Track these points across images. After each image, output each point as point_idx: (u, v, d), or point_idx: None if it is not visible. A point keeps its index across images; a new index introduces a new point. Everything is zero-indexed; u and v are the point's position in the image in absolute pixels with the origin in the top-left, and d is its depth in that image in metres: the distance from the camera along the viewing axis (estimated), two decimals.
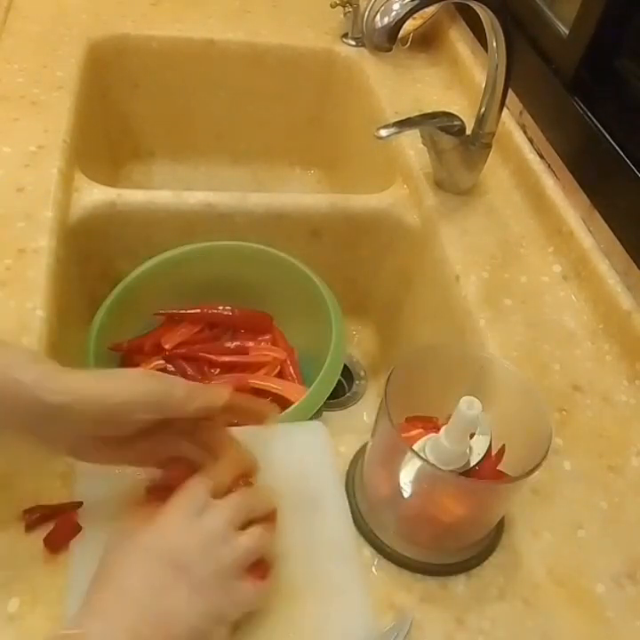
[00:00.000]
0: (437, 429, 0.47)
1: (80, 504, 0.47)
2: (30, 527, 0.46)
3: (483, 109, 0.72)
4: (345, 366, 0.86)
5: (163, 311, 0.78)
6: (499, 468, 0.47)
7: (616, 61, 0.72)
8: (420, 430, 0.49)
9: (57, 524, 0.46)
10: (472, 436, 0.46)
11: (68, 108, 0.80)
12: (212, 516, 0.41)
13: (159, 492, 0.46)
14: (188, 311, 0.79)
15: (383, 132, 0.69)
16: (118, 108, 1.03)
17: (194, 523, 0.41)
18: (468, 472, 0.46)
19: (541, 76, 0.79)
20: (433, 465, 0.44)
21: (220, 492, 0.43)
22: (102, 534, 0.46)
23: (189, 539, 0.40)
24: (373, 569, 0.48)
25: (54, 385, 0.40)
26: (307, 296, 0.75)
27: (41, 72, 0.85)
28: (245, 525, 0.42)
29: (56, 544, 0.45)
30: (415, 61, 1.02)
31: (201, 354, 0.77)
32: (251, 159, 1.12)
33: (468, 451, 0.46)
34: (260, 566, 0.43)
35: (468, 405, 0.42)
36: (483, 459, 0.46)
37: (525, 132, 0.83)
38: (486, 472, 0.46)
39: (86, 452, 0.44)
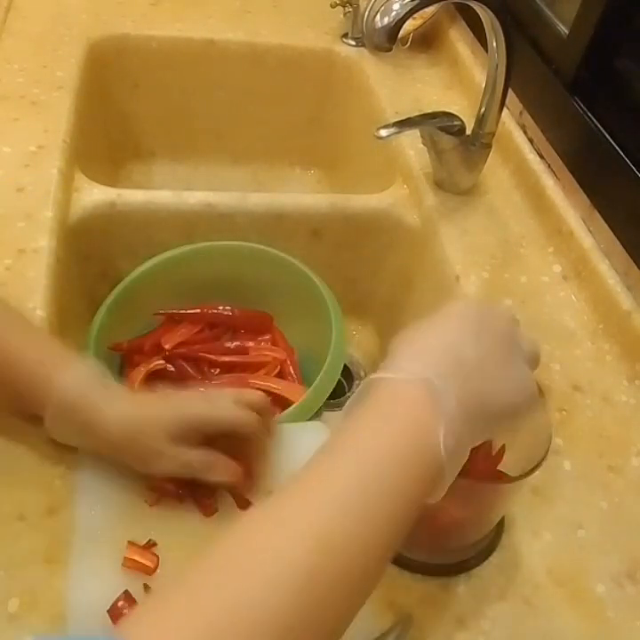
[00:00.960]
0: None
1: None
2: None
3: (483, 109, 0.72)
4: (345, 366, 0.86)
5: (163, 311, 0.78)
6: (498, 467, 0.47)
7: (616, 61, 0.72)
8: None
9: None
10: None
11: (68, 108, 0.80)
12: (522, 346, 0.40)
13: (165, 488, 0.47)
14: (188, 311, 0.79)
15: (383, 132, 0.69)
16: (118, 107, 1.03)
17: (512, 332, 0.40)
18: (467, 472, 0.46)
19: (541, 76, 0.79)
20: None
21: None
22: (102, 534, 0.46)
23: (508, 335, 0.39)
24: None
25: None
26: (307, 296, 0.75)
27: (41, 72, 0.85)
28: None
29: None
30: (415, 61, 1.02)
31: (201, 354, 0.77)
32: (251, 159, 1.12)
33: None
34: None
35: None
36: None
37: (525, 132, 0.83)
38: (486, 472, 0.46)
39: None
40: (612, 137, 0.68)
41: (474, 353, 0.36)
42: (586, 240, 0.69)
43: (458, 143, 0.73)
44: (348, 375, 0.88)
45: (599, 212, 0.69)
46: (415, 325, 0.38)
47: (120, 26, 0.97)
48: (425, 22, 1.01)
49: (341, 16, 1.02)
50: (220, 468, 0.48)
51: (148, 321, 0.78)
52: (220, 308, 0.80)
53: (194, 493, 0.49)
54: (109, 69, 0.98)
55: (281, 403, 0.72)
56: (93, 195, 0.74)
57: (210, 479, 0.48)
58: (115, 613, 0.42)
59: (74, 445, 0.49)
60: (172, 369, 0.76)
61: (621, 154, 0.66)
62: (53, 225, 0.66)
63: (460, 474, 0.37)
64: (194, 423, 0.47)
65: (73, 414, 0.46)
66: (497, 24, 0.65)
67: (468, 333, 0.37)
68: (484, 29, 0.66)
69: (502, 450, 0.47)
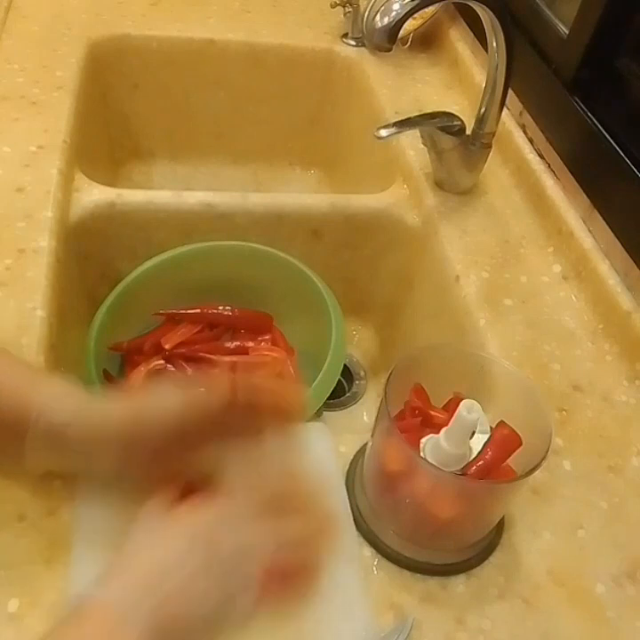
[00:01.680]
0: (436, 428, 0.47)
1: None
2: None
3: (483, 109, 0.72)
4: (345, 366, 0.86)
5: (163, 311, 0.78)
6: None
7: (616, 61, 0.72)
8: (419, 419, 0.49)
9: None
10: (472, 434, 0.46)
11: (68, 108, 0.80)
12: (261, 529, 0.40)
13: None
14: (188, 311, 0.79)
15: (383, 132, 0.69)
16: (118, 107, 1.03)
17: (243, 524, 0.39)
18: (468, 469, 0.46)
19: (541, 76, 0.79)
20: (433, 466, 0.44)
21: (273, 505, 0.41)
22: (102, 535, 0.46)
23: (231, 541, 0.39)
24: (373, 569, 0.48)
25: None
26: (307, 296, 0.75)
27: (41, 72, 0.85)
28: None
29: None
30: (415, 61, 1.02)
31: (201, 354, 0.77)
32: (251, 159, 1.12)
33: (468, 452, 0.46)
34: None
35: (468, 409, 0.42)
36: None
37: (525, 132, 0.83)
38: (491, 467, 0.46)
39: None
40: (612, 137, 0.68)
41: (182, 578, 0.36)
42: (586, 240, 0.69)
43: (458, 143, 0.73)
44: (348, 375, 0.88)
45: (599, 211, 0.69)
46: (145, 533, 0.39)
47: (120, 26, 0.97)
48: (425, 22, 1.01)
49: (341, 16, 1.03)
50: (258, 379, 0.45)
51: (148, 321, 0.78)
52: (220, 308, 0.80)
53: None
54: (109, 69, 0.98)
55: None
56: (93, 195, 0.74)
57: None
58: None
59: (57, 468, 0.47)
60: (173, 369, 0.76)
61: (621, 154, 0.66)
62: (53, 225, 0.66)
63: (460, 473, 0.37)
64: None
65: (62, 428, 0.43)
66: (497, 24, 0.65)
67: (185, 556, 0.37)
68: (484, 29, 0.66)
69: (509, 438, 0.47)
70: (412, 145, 0.83)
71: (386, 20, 0.60)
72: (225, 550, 0.38)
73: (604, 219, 0.68)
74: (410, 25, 0.99)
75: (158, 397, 0.44)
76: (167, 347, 0.76)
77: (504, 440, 0.46)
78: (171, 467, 0.46)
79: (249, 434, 0.47)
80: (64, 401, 0.44)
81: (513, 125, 0.84)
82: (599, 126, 0.70)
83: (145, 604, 0.35)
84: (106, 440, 0.43)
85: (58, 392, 0.44)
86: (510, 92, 0.72)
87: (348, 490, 0.52)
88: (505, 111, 0.74)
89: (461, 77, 0.97)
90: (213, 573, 0.37)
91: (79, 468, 0.46)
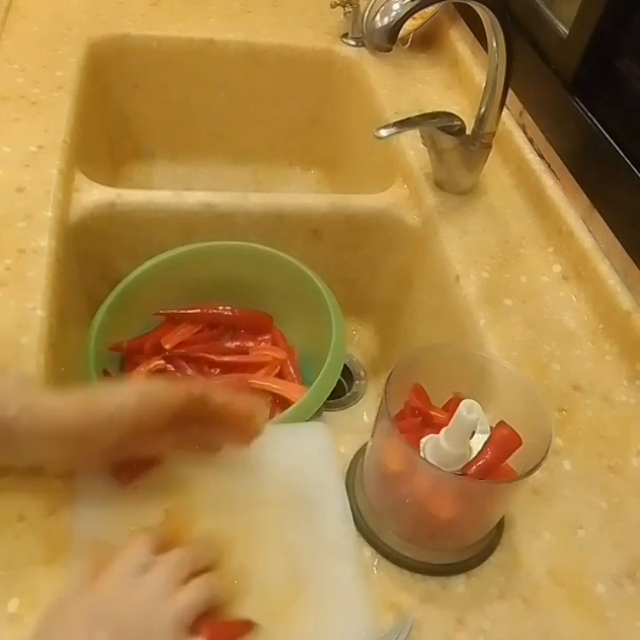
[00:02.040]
0: (436, 428, 0.47)
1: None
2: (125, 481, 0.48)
3: (483, 109, 0.72)
4: (345, 366, 0.86)
5: (163, 311, 0.78)
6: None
7: (616, 61, 0.72)
8: (419, 419, 0.49)
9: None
10: (472, 434, 0.46)
11: (68, 108, 0.80)
12: (153, 574, 0.40)
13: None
14: (188, 311, 0.79)
15: (383, 132, 0.69)
16: (118, 107, 1.03)
17: (134, 584, 0.40)
18: (468, 469, 0.46)
19: (541, 76, 0.79)
20: (433, 466, 0.44)
21: (161, 549, 0.42)
22: (102, 535, 0.46)
23: (130, 602, 0.39)
24: (373, 569, 0.48)
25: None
26: (307, 296, 0.75)
27: (41, 72, 0.85)
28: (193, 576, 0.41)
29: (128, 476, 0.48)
30: (415, 61, 1.02)
31: (201, 354, 0.77)
32: (251, 159, 1.12)
33: (468, 452, 0.46)
34: (215, 615, 0.41)
35: (468, 409, 0.42)
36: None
37: (525, 132, 0.83)
38: (491, 467, 0.46)
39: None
40: (612, 137, 0.68)
41: None
42: (586, 240, 0.69)
43: (458, 143, 0.73)
44: (348, 375, 0.88)
45: (599, 211, 0.69)
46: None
47: (120, 26, 0.97)
48: (425, 22, 1.01)
49: (341, 16, 1.03)
50: (219, 390, 0.46)
51: (148, 321, 0.78)
52: (220, 308, 0.80)
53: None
54: (109, 69, 0.98)
55: (281, 403, 0.72)
56: (93, 195, 0.74)
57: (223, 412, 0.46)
58: None
59: (6, 461, 0.46)
60: (173, 369, 0.76)
61: (621, 154, 0.66)
62: (53, 225, 0.66)
63: (460, 473, 0.37)
64: (153, 404, 0.45)
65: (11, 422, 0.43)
66: (497, 24, 0.65)
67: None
68: (484, 29, 0.66)
69: (509, 438, 0.47)
70: (412, 145, 0.83)
71: (386, 20, 0.60)
72: (132, 614, 0.38)
73: (604, 219, 0.68)
74: (410, 25, 0.99)
75: (113, 396, 0.44)
76: (167, 347, 0.76)
77: (504, 440, 0.46)
78: (125, 456, 0.47)
79: (208, 449, 0.49)
80: (12, 395, 0.44)
81: (513, 125, 0.84)
82: (599, 126, 0.70)
83: None
84: (55, 436, 0.44)
85: (7, 386, 0.45)
86: (510, 91, 0.72)
87: (348, 490, 0.52)
88: (505, 111, 0.74)
89: (461, 77, 0.97)
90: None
91: (28, 462, 0.47)
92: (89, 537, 0.46)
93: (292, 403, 0.64)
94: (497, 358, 0.53)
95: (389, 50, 0.62)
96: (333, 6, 1.01)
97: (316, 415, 0.64)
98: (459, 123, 0.72)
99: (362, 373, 0.89)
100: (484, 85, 0.72)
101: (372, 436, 0.49)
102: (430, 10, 1.00)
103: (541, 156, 0.80)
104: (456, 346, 0.64)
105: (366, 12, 0.62)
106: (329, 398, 0.64)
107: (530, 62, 0.81)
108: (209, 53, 1.00)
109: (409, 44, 1.02)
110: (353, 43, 1.02)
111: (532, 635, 0.46)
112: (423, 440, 0.47)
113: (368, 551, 0.49)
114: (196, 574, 0.41)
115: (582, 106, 0.73)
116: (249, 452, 0.49)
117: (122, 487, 0.48)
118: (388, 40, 0.61)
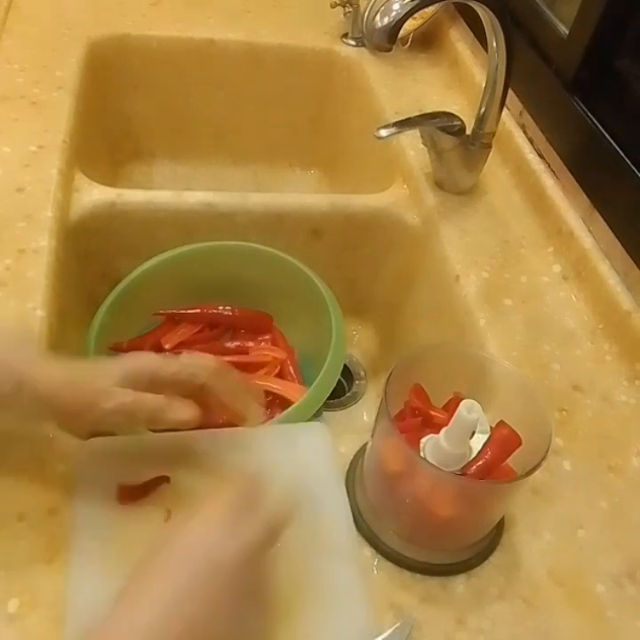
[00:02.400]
0: (436, 428, 0.47)
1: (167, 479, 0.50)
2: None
3: (483, 109, 0.72)
4: (345, 366, 0.86)
5: (163, 311, 0.78)
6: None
7: (616, 61, 0.72)
8: (419, 419, 0.49)
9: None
10: (472, 434, 0.46)
11: (68, 108, 0.80)
12: (248, 525, 0.39)
13: None
14: (188, 311, 0.79)
15: (383, 132, 0.69)
16: (118, 107, 1.03)
17: (232, 532, 0.39)
18: (468, 469, 0.46)
19: (541, 76, 0.79)
20: (433, 466, 0.44)
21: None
22: (102, 534, 0.46)
23: (229, 544, 0.38)
24: (373, 569, 0.48)
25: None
26: (307, 296, 0.75)
27: (41, 72, 0.85)
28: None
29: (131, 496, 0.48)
30: (415, 61, 1.02)
31: (201, 354, 0.77)
32: (251, 159, 1.12)
33: (467, 452, 0.46)
34: None
35: (468, 409, 0.42)
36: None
37: (525, 132, 0.83)
38: (491, 467, 0.46)
39: None
40: (612, 137, 0.68)
41: (201, 599, 0.36)
42: (586, 240, 0.69)
43: (458, 143, 0.73)
44: (348, 375, 0.88)
45: (599, 211, 0.69)
46: (150, 561, 0.38)
47: (120, 26, 0.97)
48: (425, 22, 1.01)
49: (341, 16, 1.03)
50: (175, 407, 0.45)
51: (148, 321, 0.78)
52: (220, 308, 0.80)
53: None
54: (109, 69, 0.98)
55: (281, 403, 0.72)
56: (93, 195, 0.74)
57: (166, 418, 0.45)
58: None
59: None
60: None
61: (621, 154, 0.66)
62: (53, 225, 0.66)
63: (460, 473, 0.37)
64: (142, 370, 0.46)
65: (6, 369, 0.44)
66: (497, 24, 0.65)
67: (194, 580, 0.36)
68: (484, 29, 0.66)
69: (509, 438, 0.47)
70: (412, 145, 0.83)
71: (386, 20, 0.60)
72: (227, 564, 0.38)
73: (604, 219, 0.68)
74: (410, 25, 0.99)
75: (100, 371, 0.45)
76: (167, 347, 0.76)
77: (504, 440, 0.46)
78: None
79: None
80: (10, 365, 0.44)
81: (513, 125, 0.84)
82: (599, 126, 0.70)
83: (173, 630, 0.34)
84: (44, 407, 0.44)
85: (7, 356, 0.45)
86: (510, 92, 0.72)
87: (348, 490, 0.52)
88: (505, 111, 0.74)
89: (461, 77, 0.97)
90: (223, 587, 0.37)
91: (14, 424, 0.47)
92: (89, 537, 0.46)
93: (292, 403, 0.64)
94: (497, 358, 0.53)
95: (389, 50, 0.62)
96: (333, 6, 1.01)
97: (316, 415, 0.64)
98: (459, 123, 0.72)
99: (362, 373, 0.89)
100: (483, 85, 0.72)
101: (372, 436, 0.49)
102: (430, 10, 1.00)
103: (541, 156, 0.80)
104: (456, 346, 0.64)
105: (366, 12, 0.62)
106: (329, 398, 0.64)
107: (530, 62, 0.81)
108: (209, 53, 1.00)
109: (409, 44, 1.02)
110: (353, 43, 1.02)
111: (532, 635, 0.46)
112: (423, 440, 0.47)
113: (368, 551, 0.49)
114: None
115: (582, 106, 0.73)
116: (249, 453, 0.49)
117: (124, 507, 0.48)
118: (388, 40, 0.61)
